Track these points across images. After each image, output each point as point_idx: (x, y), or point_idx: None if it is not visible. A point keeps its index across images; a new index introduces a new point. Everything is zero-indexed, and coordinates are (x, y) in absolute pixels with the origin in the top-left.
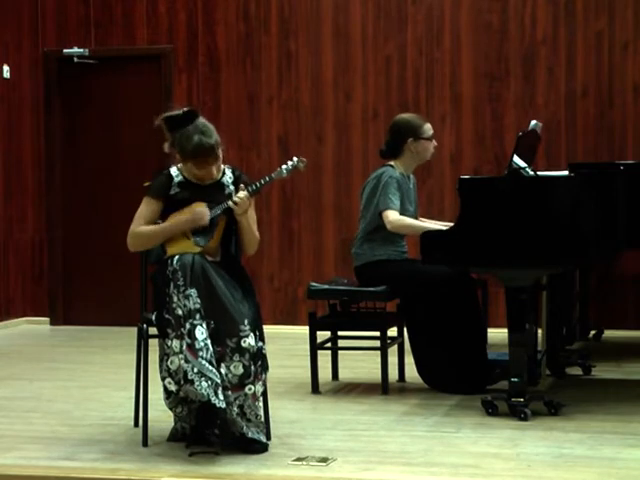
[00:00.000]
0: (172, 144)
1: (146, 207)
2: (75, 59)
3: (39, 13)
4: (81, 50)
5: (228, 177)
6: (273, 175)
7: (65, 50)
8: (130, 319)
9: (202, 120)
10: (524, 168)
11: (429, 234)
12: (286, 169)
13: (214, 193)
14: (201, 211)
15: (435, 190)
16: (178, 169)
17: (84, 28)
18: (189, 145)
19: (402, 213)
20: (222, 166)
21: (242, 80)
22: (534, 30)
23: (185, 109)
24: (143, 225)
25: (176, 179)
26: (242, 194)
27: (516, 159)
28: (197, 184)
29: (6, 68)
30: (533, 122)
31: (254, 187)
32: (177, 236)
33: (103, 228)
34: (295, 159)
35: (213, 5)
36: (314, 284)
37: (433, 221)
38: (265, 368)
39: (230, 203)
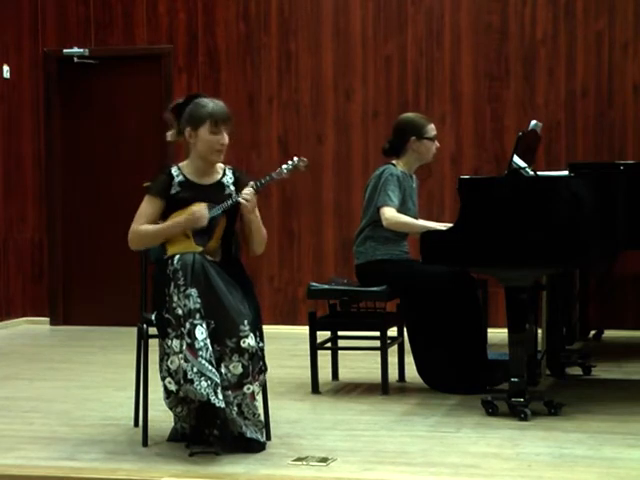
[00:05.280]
0: (179, 132)
1: (147, 206)
2: (75, 59)
3: (39, 13)
4: (81, 50)
5: (229, 177)
6: (274, 174)
7: (65, 50)
8: (130, 319)
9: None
10: (524, 168)
11: (429, 234)
12: (286, 168)
13: (214, 193)
14: (200, 212)
15: (435, 190)
16: (178, 168)
17: (84, 28)
18: (204, 109)
19: (404, 212)
20: (222, 166)
21: (242, 80)
22: (534, 30)
23: (188, 94)
24: (144, 224)
25: (177, 179)
26: (248, 190)
27: (516, 159)
28: (198, 184)
29: (6, 68)
30: (533, 122)
31: (257, 185)
32: (178, 236)
33: (103, 228)
34: (295, 159)
35: (213, 5)
36: (314, 284)
37: (431, 222)
38: (264, 369)
39: (241, 199)
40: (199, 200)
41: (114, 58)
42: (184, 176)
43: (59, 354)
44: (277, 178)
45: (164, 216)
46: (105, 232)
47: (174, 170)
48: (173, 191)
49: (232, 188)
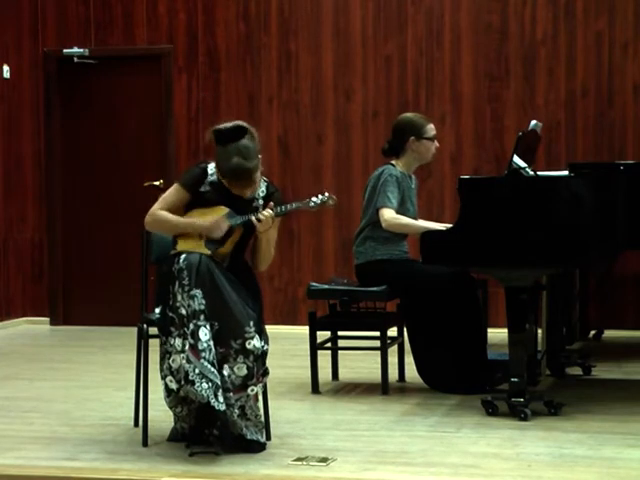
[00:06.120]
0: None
1: (173, 193)
2: (75, 59)
3: (39, 13)
4: (81, 50)
5: (261, 191)
6: (301, 204)
7: (65, 50)
8: (130, 319)
9: (246, 141)
10: (524, 168)
11: (429, 234)
12: (314, 202)
13: (242, 203)
14: (218, 224)
15: (435, 190)
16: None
17: (84, 28)
18: (226, 166)
19: (402, 212)
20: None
21: (242, 80)
22: (534, 30)
23: (235, 124)
24: (165, 209)
25: (210, 177)
26: (267, 212)
27: (516, 159)
28: (228, 190)
29: (6, 68)
30: (533, 122)
31: (281, 209)
32: (191, 233)
33: (103, 228)
34: (326, 194)
35: (213, 5)
36: (314, 284)
37: (429, 222)
38: (266, 372)
39: (253, 218)
40: (224, 205)
41: (114, 58)
42: (218, 178)
43: (59, 354)
44: (303, 208)
45: (186, 209)
46: (105, 232)
47: (210, 167)
48: (202, 189)
49: (261, 202)
